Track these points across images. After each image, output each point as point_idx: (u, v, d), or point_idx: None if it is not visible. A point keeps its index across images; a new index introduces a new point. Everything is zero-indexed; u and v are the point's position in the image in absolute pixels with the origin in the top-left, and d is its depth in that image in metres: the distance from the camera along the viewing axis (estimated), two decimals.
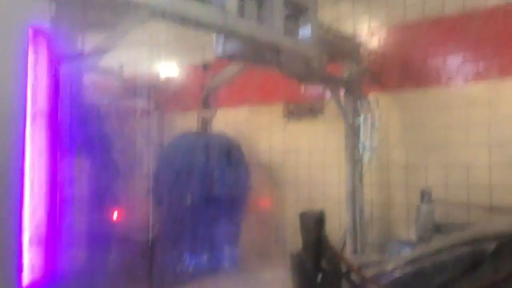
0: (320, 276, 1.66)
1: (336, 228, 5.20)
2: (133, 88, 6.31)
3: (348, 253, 4.88)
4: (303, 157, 5.83)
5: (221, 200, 5.03)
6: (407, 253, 3.16)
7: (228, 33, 3.25)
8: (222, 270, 4.91)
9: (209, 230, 4.97)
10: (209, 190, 4.98)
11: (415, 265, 2.45)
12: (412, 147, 5.05)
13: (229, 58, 3.63)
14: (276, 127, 6.03)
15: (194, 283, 4.22)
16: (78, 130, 2.85)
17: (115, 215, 5.06)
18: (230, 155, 5.21)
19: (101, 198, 3.95)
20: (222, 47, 3.50)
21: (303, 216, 1.78)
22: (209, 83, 5.40)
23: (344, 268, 1.76)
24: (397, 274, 2.42)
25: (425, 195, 4.27)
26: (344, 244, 4.96)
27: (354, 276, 1.77)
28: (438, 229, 4.23)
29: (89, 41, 3.04)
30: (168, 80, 7.07)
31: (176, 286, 4.35)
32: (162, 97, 6.88)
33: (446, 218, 4.58)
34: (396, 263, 2.60)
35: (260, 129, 6.11)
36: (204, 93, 5.47)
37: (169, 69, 7.14)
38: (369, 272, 2.38)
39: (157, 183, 5.44)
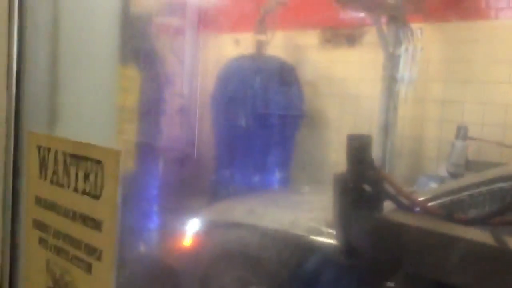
0: (363, 197, 1.65)
1: None
2: (164, 4, 6.18)
3: None
4: (337, 87, 5.73)
5: (274, 123, 5.12)
6: (434, 187, 3.15)
7: None
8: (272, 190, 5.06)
9: (263, 151, 5.13)
10: (263, 113, 5.07)
11: (443, 199, 2.43)
12: (451, 82, 4.90)
13: None
14: (311, 55, 5.89)
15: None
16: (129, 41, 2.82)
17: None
18: (287, 78, 5.25)
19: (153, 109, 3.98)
20: None
21: (350, 138, 1.75)
22: (265, 5, 5.27)
23: (391, 191, 1.74)
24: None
25: (460, 131, 4.19)
26: None
27: (401, 198, 1.76)
28: (470, 166, 4.20)
29: None
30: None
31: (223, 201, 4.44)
32: (199, 16, 6.74)
33: (480, 156, 4.54)
34: (422, 196, 2.59)
35: (295, 56, 5.99)
36: (259, 16, 5.36)
37: None
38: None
39: (213, 105, 5.51)
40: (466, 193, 2.41)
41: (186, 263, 2.83)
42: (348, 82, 5.65)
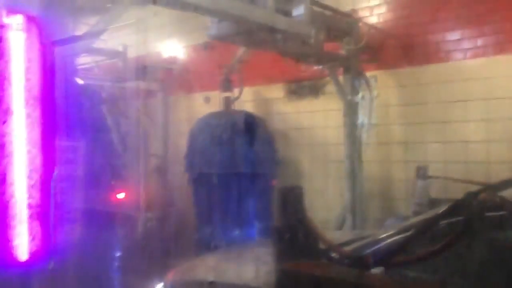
0: (297, 250, 1.75)
1: (337, 204, 5.30)
2: (136, 69, 6.41)
3: (347, 228, 4.98)
4: (304, 135, 5.90)
5: (250, 176, 5.22)
6: (396, 226, 3.23)
7: (219, 15, 3.30)
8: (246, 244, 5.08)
9: (240, 205, 5.18)
10: (238, 167, 5.17)
11: (400, 236, 2.52)
12: (411, 124, 5.09)
13: (223, 39, 3.68)
14: (277, 107, 6.10)
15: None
16: (75, 112, 2.95)
17: (120, 194, 5.22)
18: (258, 132, 5.41)
19: (103, 178, 4.08)
20: (216, 28, 3.55)
21: (282, 191, 1.86)
22: (228, 64, 5.51)
23: (323, 245, 1.85)
24: (383, 245, 2.49)
25: (420, 171, 4.32)
26: (344, 220, 5.07)
27: (332, 252, 1.86)
28: (435, 204, 4.29)
29: (83, 25, 3.12)
30: (171, 60, 7.13)
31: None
32: (166, 78, 6.97)
33: (445, 193, 4.65)
34: (384, 235, 2.68)
35: (263, 109, 6.19)
36: (223, 74, 5.59)
37: (171, 49, 7.19)
38: (354, 247, 2.47)
39: (187, 162, 5.65)
40: (416, 230, 2.50)
41: None
42: (315, 130, 5.83)
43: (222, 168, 5.24)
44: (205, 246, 5.11)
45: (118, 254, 3.98)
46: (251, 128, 5.44)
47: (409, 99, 5.08)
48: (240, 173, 5.22)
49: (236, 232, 5.22)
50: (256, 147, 5.36)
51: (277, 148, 5.69)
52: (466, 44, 4.73)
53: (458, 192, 4.65)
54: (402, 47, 5.07)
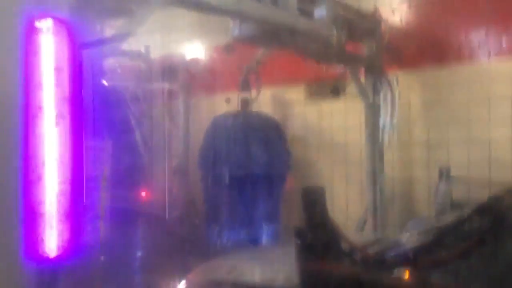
0: (320, 250, 1.76)
1: (358, 206, 5.29)
2: (159, 70, 6.49)
3: (368, 230, 4.97)
4: (325, 136, 5.90)
5: (260, 177, 5.23)
6: (419, 227, 3.22)
7: (241, 16, 3.33)
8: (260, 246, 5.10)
9: (250, 207, 5.21)
10: (250, 169, 5.20)
11: (424, 239, 2.51)
12: (434, 125, 5.05)
13: (245, 41, 3.71)
14: (297, 108, 6.10)
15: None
16: (103, 113, 3.01)
17: (143, 193, 5.29)
18: (271, 134, 5.42)
19: (128, 178, 4.15)
20: (238, 30, 3.59)
21: (304, 192, 1.88)
22: (248, 65, 5.54)
23: (345, 245, 1.86)
24: (406, 248, 2.48)
25: (443, 173, 4.29)
26: (365, 222, 5.05)
27: (356, 253, 1.87)
28: (457, 205, 4.25)
29: (109, 27, 3.19)
30: (193, 62, 7.19)
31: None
32: (188, 79, 7.03)
33: (467, 195, 4.60)
34: (407, 238, 2.67)
35: (283, 111, 6.20)
36: (243, 75, 5.62)
37: (194, 51, 7.25)
38: (376, 248, 2.47)
39: (200, 163, 5.71)
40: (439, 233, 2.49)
41: None
42: (336, 131, 5.82)
43: (232, 168, 5.26)
44: (212, 246, 5.15)
45: (141, 252, 4.05)
46: (264, 129, 5.45)
47: (432, 99, 5.05)
48: (251, 174, 5.23)
49: (244, 233, 5.24)
50: (268, 149, 5.36)
51: (291, 151, 5.66)
52: (491, 43, 4.67)
53: (481, 193, 4.64)
54: (424, 47, 5.03)
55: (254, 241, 5.21)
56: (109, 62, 6.21)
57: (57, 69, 2.30)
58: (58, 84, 2.31)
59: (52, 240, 2.24)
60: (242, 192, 5.20)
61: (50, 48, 2.25)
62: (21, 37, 2.06)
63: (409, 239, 2.63)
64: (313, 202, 1.82)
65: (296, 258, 1.86)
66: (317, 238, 1.80)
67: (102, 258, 2.65)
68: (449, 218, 3.13)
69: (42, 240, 2.19)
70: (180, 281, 3.24)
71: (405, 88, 5.02)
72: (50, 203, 2.26)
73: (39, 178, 2.12)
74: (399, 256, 2.09)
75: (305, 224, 1.84)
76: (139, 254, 3.97)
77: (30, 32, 2.13)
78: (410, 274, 1.87)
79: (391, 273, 1.74)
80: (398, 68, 5.11)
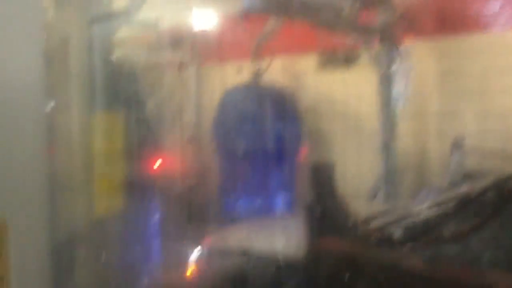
0: (327, 225, 1.78)
1: (370, 176, 5.30)
2: (170, 41, 6.45)
3: (380, 200, 4.99)
4: (338, 107, 5.87)
5: (274, 148, 5.26)
6: (431, 199, 3.23)
7: None
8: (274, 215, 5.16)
9: (264, 177, 5.25)
10: (264, 139, 5.22)
11: (435, 210, 2.51)
12: (448, 95, 4.99)
13: (256, 10, 3.66)
14: (309, 78, 6.05)
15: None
16: (113, 86, 3.02)
17: (157, 164, 5.35)
18: (284, 104, 5.41)
19: (141, 148, 4.19)
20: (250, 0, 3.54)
21: (313, 167, 1.89)
22: (259, 34, 5.48)
23: (352, 220, 1.88)
24: (417, 219, 2.49)
25: (456, 143, 4.26)
26: (377, 192, 5.07)
27: (360, 228, 1.89)
28: (470, 176, 4.24)
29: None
30: (205, 32, 7.13)
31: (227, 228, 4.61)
32: (199, 49, 6.99)
33: (480, 166, 4.58)
34: (419, 208, 2.68)
35: (294, 80, 6.15)
36: (255, 45, 5.57)
37: (205, 21, 7.18)
38: (385, 221, 2.48)
39: (214, 134, 5.76)
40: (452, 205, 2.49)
41: None
42: (348, 102, 5.78)
43: (246, 140, 5.28)
44: (227, 215, 5.22)
45: (156, 221, 4.13)
46: (277, 100, 5.44)
47: (446, 69, 4.97)
48: (265, 145, 5.25)
49: (258, 203, 5.30)
50: (281, 119, 5.36)
51: (304, 122, 5.65)
52: (508, 12, 4.55)
53: (494, 164, 4.61)
54: (439, 16, 4.92)
55: (268, 211, 5.27)
56: (120, 34, 6.19)
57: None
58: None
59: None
60: (256, 163, 5.23)
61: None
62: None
63: (419, 211, 2.64)
64: (322, 178, 1.83)
65: (303, 232, 1.88)
66: (324, 213, 1.81)
67: (118, 228, 2.71)
68: (462, 189, 3.13)
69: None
70: (194, 248, 3.31)
71: (419, 58, 4.94)
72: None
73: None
74: (407, 230, 2.10)
75: (313, 199, 1.85)
76: (154, 223, 4.05)
77: None
78: (418, 248, 1.88)
79: (398, 247, 1.76)
80: (412, 37, 5.02)
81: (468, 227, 1.83)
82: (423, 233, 1.85)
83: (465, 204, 2.26)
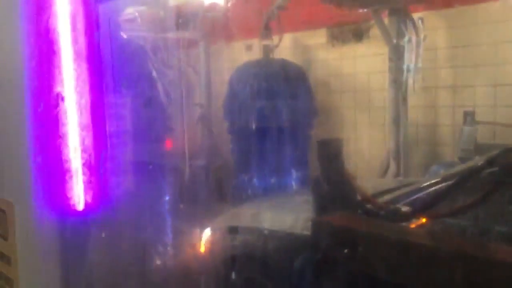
0: (335, 202, 1.79)
1: (381, 151, 5.28)
2: (178, 18, 6.41)
3: (391, 175, 4.98)
4: (348, 81, 5.82)
5: (287, 125, 5.26)
6: (440, 173, 3.22)
7: None
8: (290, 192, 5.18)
9: (277, 154, 5.27)
10: (276, 116, 5.22)
11: (444, 184, 2.50)
12: (460, 67, 4.91)
13: None
14: (319, 53, 6.00)
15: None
16: (121, 67, 3.02)
17: (167, 145, 5.38)
18: (295, 81, 5.39)
19: (151, 130, 4.21)
20: None
21: (320, 143, 1.89)
22: (268, 10, 5.43)
23: (361, 196, 1.88)
24: (422, 195, 2.48)
25: (467, 116, 4.22)
26: (388, 167, 5.06)
27: (369, 204, 1.89)
28: (482, 150, 4.20)
29: None
30: (213, 8, 7.07)
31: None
32: (208, 26, 6.94)
33: (493, 139, 4.54)
34: (428, 183, 2.67)
35: (304, 56, 6.11)
36: (264, 21, 5.53)
37: None
38: (394, 196, 2.48)
39: (226, 113, 5.76)
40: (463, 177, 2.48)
41: (200, 269, 3.02)
42: (359, 76, 5.73)
43: (259, 117, 5.28)
44: (243, 193, 5.26)
45: (166, 202, 4.17)
46: (288, 76, 5.41)
47: (458, 40, 4.88)
48: (278, 122, 5.25)
49: (273, 180, 5.33)
50: (293, 96, 5.35)
51: (316, 97, 5.63)
52: None
53: (507, 138, 4.56)
54: None
55: (282, 189, 5.30)
56: (128, 12, 6.17)
57: (73, 25, 2.31)
58: (74, 41, 2.32)
59: (79, 195, 2.33)
60: (268, 140, 5.23)
61: (64, 3, 2.24)
62: None
63: (427, 185, 2.63)
64: (329, 155, 1.83)
65: (312, 209, 1.90)
66: (331, 189, 1.82)
67: (129, 209, 2.75)
68: (473, 163, 3.11)
69: (70, 194, 2.28)
70: (205, 228, 3.36)
71: (430, 30, 4.85)
72: (74, 158, 2.34)
73: (62, 136, 2.17)
74: (415, 204, 2.10)
75: (321, 176, 1.86)
76: (166, 203, 4.10)
77: None
78: (428, 222, 1.89)
79: (404, 223, 1.76)
80: (423, 9, 4.93)
81: (473, 201, 1.83)
82: (430, 207, 1.85)
83: (470, 177, 2.24)
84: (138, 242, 2.82)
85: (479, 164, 2.18)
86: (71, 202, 2.29)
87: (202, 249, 3.13)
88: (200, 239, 3.29)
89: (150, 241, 3.14)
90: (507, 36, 4.55)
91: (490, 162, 1.92)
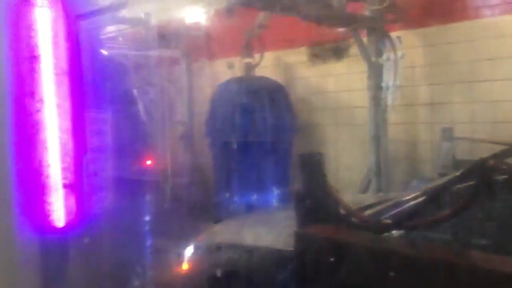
0: (317, 215, 1.80)
1: (362, 167, 5.33)
2: (159, 37, 6.44)
3: (372, 191, 5.02)
4: (328, 99, 5.89)
5: (268, 142, 5.28)
6: (419, 188, 3.26)
7: None
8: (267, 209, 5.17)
9: (259, 171, 5.27)
10: (258, 134, 5.23)
11: (423, 198, 2.53)
12: (437, 84, 5.02)
13: (245, 4, 3.66)
14: (300, 71, 6.07)
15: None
16: (102, 84, 3.02)
17: (148, 162, 5.36)
18: (276, 98, 5.43)
19: (131, 146, 4.20)
20: None
21: (302, 157, 1.91)
22: (250, 29, 5.49)
23: (342, 209, 1.90)
24: (405, 208, 2.51)
25: (445, 132, 4.29)
26: (369, 183, 5.10)
27: (350, 217, 1.91)
28: (460, 166, 4.27)
29: None
30: (194, 27, 7.12)
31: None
32: (189, 45, 6.97)
33: (471, 155, 4.61)
34: (408, 197, 2.70)
35: (285, 74, 6.17)
36: (245, 39, 5.58)
37: (195, 16, 7.16)
38: (375, 210, 2.51)
39: (207, 130, 5.75)
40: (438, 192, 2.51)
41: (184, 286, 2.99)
42: (339, 94, 5.80)
43: (240, 134, 5.30)
44: (223, 210, 5.24)
45: (147, 219, 4.14)
46: (270, 94, 5.46)
47: (435, 59, 4.99)
48: (259, 139, 5.28)
49: (254, 197, 5.33)
50: (275, 113, 5.39)
51: (297, 115, 5.69)
52: (495, 0, 4.58)
53: (484, 153, 4.63)
54: (427, 6, 4.94)
55: (264, 205, 5.29)
56: (109, 31, 6.18)
57: (55, 43, 2.31)
58: (56, 57, 2.31)
59: (59, 212, 2.30)
60: (250, 157, 5.25)
61: (46, 22, 2.25)
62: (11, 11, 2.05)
63: (407, 199, 2.67)
64: (310, 168, 1.85)
65: (294, 222, 1.90)
66: (314, 203, 1.83)
67: (109, 226, 2.72)
68: (451, 177, 3.16)
69: (50, 211, 2.25)
70: (188, 245, 3.33)
71: (408, 48, 4.96)
72: (55, 175, 2.31)
73: (43, 150, 2.16)
74: (395, 217, 2.13)
75: (303, 189, 1.87)
76: (147, 220, 4.07)
77: (23, 6, 2.12)
78: (407, 235, 1.91)
79: (385, 234, 1.78)
80: (400, 28, 5.04)
81: (450, 212, 1.86)
82: (410, 220, 1.87)
83: (447, 189, 2.28)
84: (118, 259, 2.79)
85: (455, 177, 2.23)
86: (51, 219, 2.26)
87: (185, 266, 3.10)
88: (182, 257, 3.26)
89: (130, 258, 3.10)
90: (482, 54, 4.68)
91: (465, 175, 1.96)
